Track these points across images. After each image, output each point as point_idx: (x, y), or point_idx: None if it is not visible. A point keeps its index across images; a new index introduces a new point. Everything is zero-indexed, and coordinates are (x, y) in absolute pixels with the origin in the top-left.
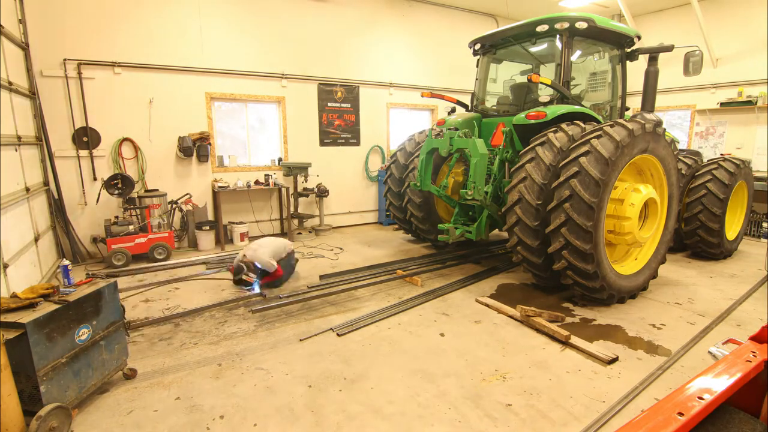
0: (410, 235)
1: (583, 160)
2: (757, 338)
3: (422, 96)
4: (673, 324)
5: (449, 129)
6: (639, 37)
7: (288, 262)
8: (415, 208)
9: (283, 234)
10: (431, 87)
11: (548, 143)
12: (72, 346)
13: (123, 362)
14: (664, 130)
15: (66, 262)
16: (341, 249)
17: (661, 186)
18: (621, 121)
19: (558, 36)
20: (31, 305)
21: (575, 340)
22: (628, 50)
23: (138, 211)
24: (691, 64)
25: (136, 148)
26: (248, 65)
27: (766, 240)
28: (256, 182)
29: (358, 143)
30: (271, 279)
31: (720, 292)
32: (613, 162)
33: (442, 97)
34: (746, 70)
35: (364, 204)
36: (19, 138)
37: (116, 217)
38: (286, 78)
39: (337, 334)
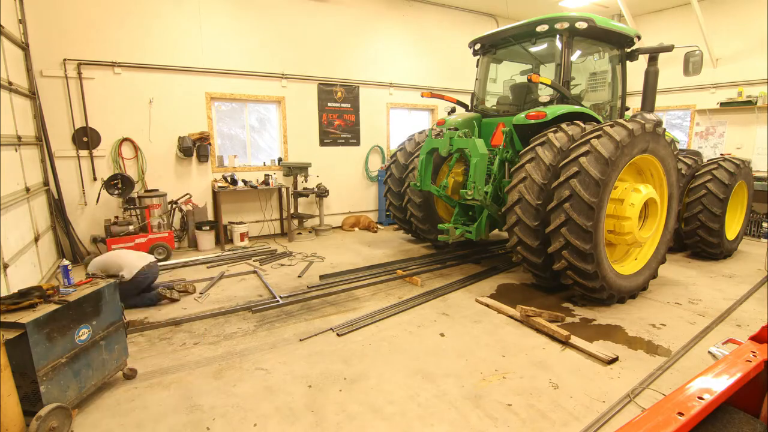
0: (410, 235)
1: (583, 160)
2: (757, 338)
3: (422, 96)
4: (673, 324)
5: (449, 129)
6: (639, 37)
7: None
8: (415, 208)
9: (283, 234)
10: (431, 87)
11: (548, 143)
12: (72, 346)
13: (123, 362)
14: (664, 130)
15: (66, 262)
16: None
17: (661, 186)
18: (621, 121)
19: (558, 36)
20: (31, 305)
21: (575, 340)
22: (628, 50)
23: (138, 211)
24: (691, 64)
25: (136, 148)
26: (248, 65)
27: (766, 240)
28: (257, 182)
29: (358, 143)
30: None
31: (720, 292)
32: (613, 162)
33: (442, 97)
34: (746, 70)
35: (364, 204)
36: (19, 138)
37: (116, 217)
38: (286, 78)
39: (337, 334)
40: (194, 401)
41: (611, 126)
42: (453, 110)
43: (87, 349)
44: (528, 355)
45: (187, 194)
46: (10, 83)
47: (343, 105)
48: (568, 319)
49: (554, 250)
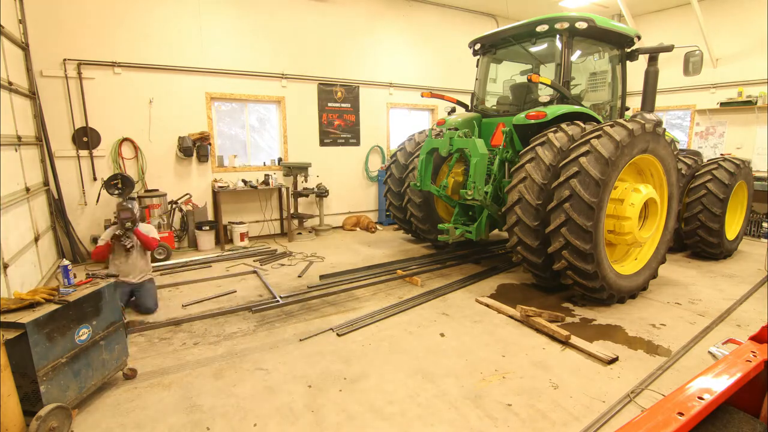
0: (410, 235)
1: (583, 160)
2: (757, 338)
3: (422, 96)
4: (673, 324)
5: (449, 129)
6: (639, 37)
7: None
8: (415, 208)
9: (283, 234)
10: (431, 87)
11: (548, 143)
12: (72, 346)
13: (123, 362)
14: (664, 130)
15: (66, 262)
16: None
17: (661, 186)
18: (621, 121)
19: (558, 36)
20: (31, 305)
21: (575, 340)
22: (628, 50)
23: None
24: (691, 64)
25: (136, 148)
26: (248, 65)
27: (766, 240)
28: (257, 182)
29: (358, 143)
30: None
31: (720, 292)
32: (613, 162)
33: (442, 97)
34: (746, 70)
35: (364, 204)
36: (19, 138)
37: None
38: (286, 78)
39: (337, 334)
40: (194, 401)
41: (611, 126)
42: (453, 110)
43: (87, 349)
44: (528, 355)
45: (187, 194)
46: (10, 83)
47: (343, 105)
48: (568, 319)
49: (554, 250)
